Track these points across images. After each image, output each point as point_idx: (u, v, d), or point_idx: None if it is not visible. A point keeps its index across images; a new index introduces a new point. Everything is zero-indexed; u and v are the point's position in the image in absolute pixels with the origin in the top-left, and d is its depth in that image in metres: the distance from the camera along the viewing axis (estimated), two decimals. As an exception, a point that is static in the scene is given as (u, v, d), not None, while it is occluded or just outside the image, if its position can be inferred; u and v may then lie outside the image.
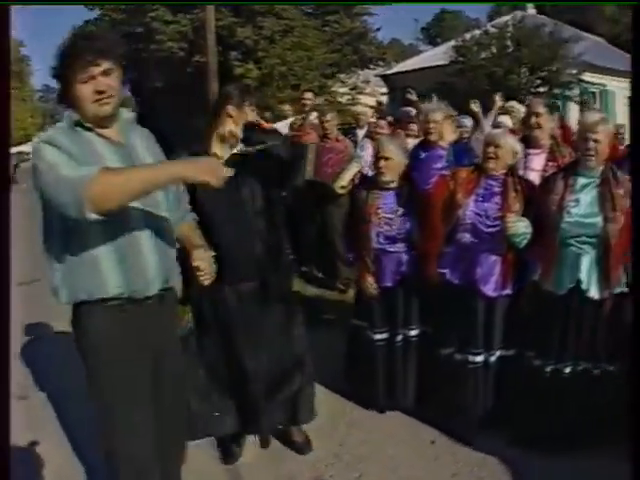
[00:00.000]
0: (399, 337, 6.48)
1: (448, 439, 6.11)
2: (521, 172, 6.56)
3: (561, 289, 5.67)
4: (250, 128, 5.57)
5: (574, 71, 31.50)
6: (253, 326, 5.41)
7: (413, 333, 6.49)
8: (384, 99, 28.75)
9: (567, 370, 5.73)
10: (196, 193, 4.67)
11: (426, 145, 8.16)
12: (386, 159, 6.36)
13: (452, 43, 34.75)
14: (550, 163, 6.84)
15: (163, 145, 4.20)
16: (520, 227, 5.75)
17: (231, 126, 5.33)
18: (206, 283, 4.11)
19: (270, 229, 5.45)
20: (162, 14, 30.71)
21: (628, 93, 31.70)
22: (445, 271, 6.14)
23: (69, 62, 3.55)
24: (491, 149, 6.05)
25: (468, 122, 11.25)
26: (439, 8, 76.80)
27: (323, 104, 24.47)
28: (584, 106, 29.78)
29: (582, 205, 5.58)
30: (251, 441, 5.85)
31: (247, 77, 27.49)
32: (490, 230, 5.92)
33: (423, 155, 8.05)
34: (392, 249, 6.36)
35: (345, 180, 10.74)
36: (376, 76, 40.74)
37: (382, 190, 6.45)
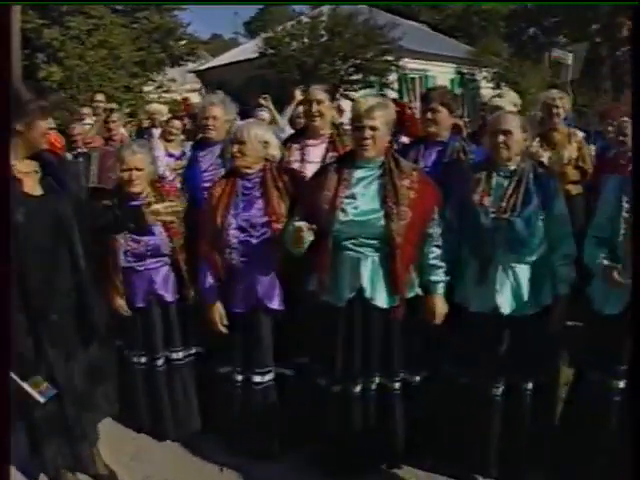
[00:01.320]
0: (160, 361, 5.93)
1: (237, 465, 5.61)
2: (298, 165, 6.17)
3: (341, 300, 4.97)
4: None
5: (391, 58, 31.59)
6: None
7: (179, 355, 5.97)
8: (194, 95, 27.73)
9: (357, 389, 5.09)
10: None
11: (205, 142, 7.10)
12: (138, 169, 5.66)
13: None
14: (331, 154, 6.17)
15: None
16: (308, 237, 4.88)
17: (20, 146, 4.53)
18: None
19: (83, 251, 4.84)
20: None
21: (451, 77, 32.48)
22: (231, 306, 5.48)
23: None
24: (235, 147, 5.36)
25: (266, 115, 10.69)
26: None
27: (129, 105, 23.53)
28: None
29: (359, 201, 4.90)
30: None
31: (50, 80, 26.03)
32: (260, 240, 5.29)
33: (201, 155, 7.04)
34: (141, 267, 5.78)
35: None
36: (190, 72, 39.78)
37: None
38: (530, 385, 4.99)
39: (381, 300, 4.88)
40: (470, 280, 5.02)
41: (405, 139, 9.75)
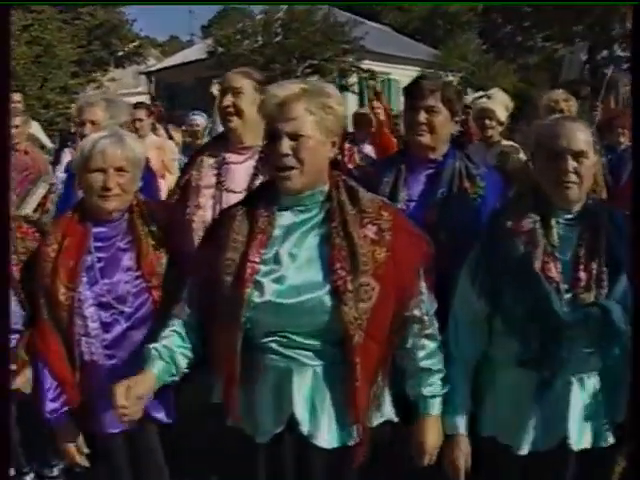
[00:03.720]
0: (28, 477, 4.55)
1: None
2: (212, 193, 4.23)
3: (262, 434, 2.91)
4: None
5: (351, 58, 30.70)
6: None
7: (52, 472, 4.55)
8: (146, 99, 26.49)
9: None
10: None
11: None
12: None
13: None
14: (260, 177, 4.15)
15: None
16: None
17: None
18: None
19: None
20: None
21: None
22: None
23: None
24: (112, 180, 3.40)
25: (200, 119, 9.57)
26: (221, 6, 75.08)
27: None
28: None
29: (286, 268, 2.86)
30: None
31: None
32: (136, 318, 3.41)
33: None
34: None
35: (30, 207, 8.02)
36: (140, 74, 38.92)
37: None
38: None
39: (326, 437, 2.85)
40: (510, 403, 3.13)
41: (369, 148, 7.79)
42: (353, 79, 31.47)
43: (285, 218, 2.92)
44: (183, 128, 9.36)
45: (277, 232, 2.90)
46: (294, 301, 2.79)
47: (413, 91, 3.95)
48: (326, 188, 2.93)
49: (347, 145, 6.76)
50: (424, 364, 2.98)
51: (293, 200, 2.91)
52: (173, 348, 2.99)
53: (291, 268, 2.84)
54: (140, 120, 8.35)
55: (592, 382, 3.07)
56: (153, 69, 39.84)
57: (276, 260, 2.86)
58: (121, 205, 3.44)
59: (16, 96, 11.31)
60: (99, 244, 3.46)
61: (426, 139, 3.82)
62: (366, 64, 32.10)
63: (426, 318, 2.95)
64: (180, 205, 4.19)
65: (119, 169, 3.37)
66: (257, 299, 2.80)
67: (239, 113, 4.20)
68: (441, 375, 3.03)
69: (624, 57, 29.46)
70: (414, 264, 2.92)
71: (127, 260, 3.46)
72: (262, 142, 4.08)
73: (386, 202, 3.05)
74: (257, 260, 2.85)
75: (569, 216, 3.06)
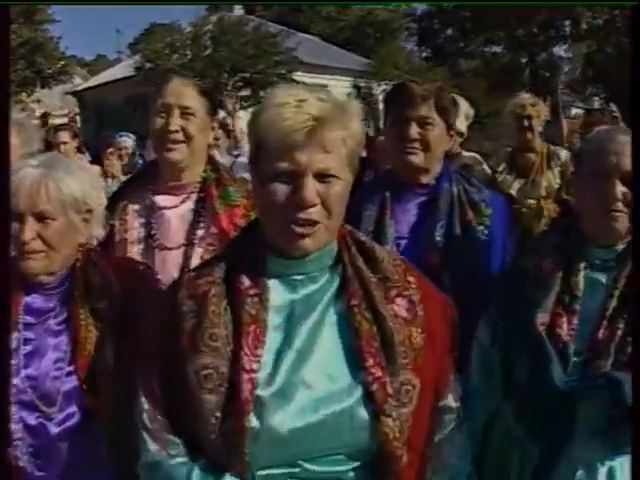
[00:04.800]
0: None
1: None
2: (139, 250, 3.17)
3: None
4: None
5: (283, 71, 30.23)
6: None
7: None
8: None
9: None
10: None
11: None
12: None
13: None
14: (202, 228, 3.20)
15: None
16: None
17: None
18: None
19: None
20: None
21: (347, 91, 31.40)
22: None
23: None
24: (28, 231, 2.44)
25: (128, 141, 9.05)
26: (148, 22, 74.31)
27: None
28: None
29: (292, 373, 1.93)
30: None
31: None
32: (72, 423, 2.52)
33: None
34: None
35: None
36: (66, 94, 37.75)
37: None
38: None
39: None
40: None
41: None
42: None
43: (277, 294, 2.01)
44: (110, 150, 8.69)
45: (272, 317, 1.99)
46: (310, 421, 1.91)
47: (401, 98, 3.17)
48: (335, 247, 2.06)
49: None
50: (451, 461, 2.13)
51: (289, 265, 2.02)
52: None
53: (301, 372, 1.94)
54: (64, 143, 7.56)
55: (603, 472, 2.42)
56: (80, 88, 39.03)
57: (277, 362, 1.95)
58: (50, 266, 2.52)
59: None
60: (30, 319, 2.57)
61: (419, 159, 3.08)
62: (298, 76, 31.70)
63: (460, 406, 2.15)
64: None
65: (39, 216, 2.46)
66: (255, 424, 1.88)
67: (187, 140, 3.20)
68: (467, 471, 2.19)
69: (566, 58, 29.65)
70: (447, 342, 2.12)
71: (58, 348, 2.57)
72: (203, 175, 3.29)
73: (406, 261, 2.19)
74: (255, 367, 1.92)
75: (609, 256, 2.43)
